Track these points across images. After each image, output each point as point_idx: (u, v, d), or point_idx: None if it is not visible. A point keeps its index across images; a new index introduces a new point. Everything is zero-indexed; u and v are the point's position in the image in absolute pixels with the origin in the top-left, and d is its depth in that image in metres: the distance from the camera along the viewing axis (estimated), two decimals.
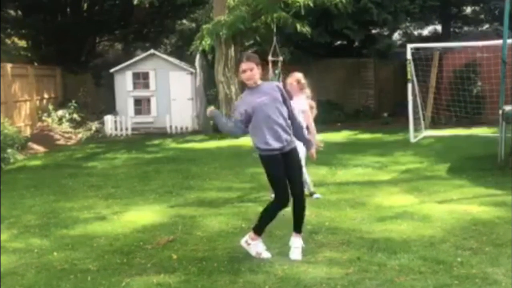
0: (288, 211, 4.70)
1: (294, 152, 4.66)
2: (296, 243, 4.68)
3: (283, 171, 4.58)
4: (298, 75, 6.63)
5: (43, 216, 6.28)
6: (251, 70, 4.58)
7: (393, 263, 4.35)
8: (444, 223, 5.42)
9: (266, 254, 4.61)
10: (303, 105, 6.47)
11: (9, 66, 13.62)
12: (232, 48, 14.76)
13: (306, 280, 4.08)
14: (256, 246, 4.64)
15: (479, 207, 6.00)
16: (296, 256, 4.58)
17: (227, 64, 14.67)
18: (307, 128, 6.17)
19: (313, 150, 5.16)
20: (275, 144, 4.52)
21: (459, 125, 13.60)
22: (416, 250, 4.64)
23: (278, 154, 4.55)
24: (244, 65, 4.60)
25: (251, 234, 4.68)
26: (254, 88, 4.62)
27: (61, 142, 13.85)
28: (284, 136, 4.55)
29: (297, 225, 4.73)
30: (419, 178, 7.89)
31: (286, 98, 4.66)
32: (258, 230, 4.67)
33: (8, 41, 20.54)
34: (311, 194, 6.68)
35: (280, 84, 4.80)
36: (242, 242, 4.70)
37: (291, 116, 4.68)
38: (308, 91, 6.70)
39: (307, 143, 4.98)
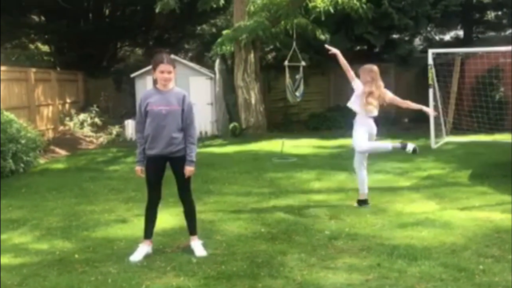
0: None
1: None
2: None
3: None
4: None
5: (65, 218, 6.36)
6: (169, 73, 4.76)
7: (414, 270, 4.31)
8: (465, 230, 5.36)
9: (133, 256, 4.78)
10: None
11: (32, 70, 13.84)
12: (252, 54, 14.81)
13: (325, 286, 4.07)
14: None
15: (501, 214, 5.91)
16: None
17: (246, 69, 14.72)
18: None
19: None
20: None
21: (481, 131, 13.43)
22: (437, 257, 4.59)
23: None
24: (164, 67, 4.74)
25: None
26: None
27: (83, 146, 14.04)
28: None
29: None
30: (440, 184, 7.81)
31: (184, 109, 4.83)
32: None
33: (31, 46, 20.91)
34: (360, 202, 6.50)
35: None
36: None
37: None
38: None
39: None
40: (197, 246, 4.93)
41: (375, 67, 6.39)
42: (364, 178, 6.51)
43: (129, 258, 4.77)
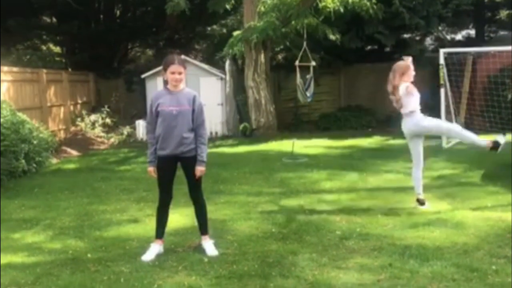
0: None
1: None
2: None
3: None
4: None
5: (77, 218, 6.41)
6: (180, 74, 4.77)
7: (426, 270, 4.29)
8: (478, 230, 5.33)
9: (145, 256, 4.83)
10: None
11: (44, 71, 13.95)
12: (262, 54, 14.82)
13: (337, 286, 4.07)
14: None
15: None
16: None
17: (256, 69, 14.72)
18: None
19: None
20: None
21: (493, 131, 13.31)
22: (449, 257, 4.57)
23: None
24: (174, 67, 4.76)
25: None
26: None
27: (94, 146, 14.13)
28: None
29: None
30: (452, 184, 7.77)
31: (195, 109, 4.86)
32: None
33: (43, 47, 21.08)
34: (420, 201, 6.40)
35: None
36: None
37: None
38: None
39: None
40: (209, 246, 4.95)
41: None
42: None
43: (141, 257, 4.80)
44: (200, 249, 4.98)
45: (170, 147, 4.81)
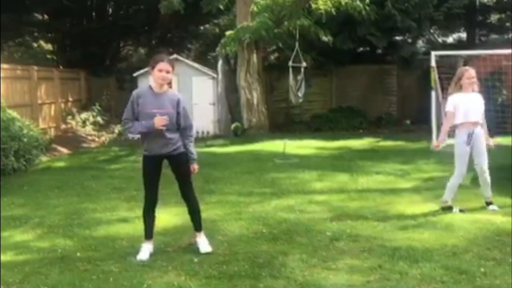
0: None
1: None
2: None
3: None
4: (473, 71, 6.36)
5: (67, 217, 6.37)
6: (167, 72, 4.67)
7: (415, 271, 4.31)
8: (467, 232, 5.36)
9: (140, 256, 4.78)
10: (483, 105, 6.33)
11: (35, 69, 13.87)
12: (255, 54, 14.83)
13: (326, 287, 4.07)
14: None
15: (503, 217, 5.91)
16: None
17: (249, 69, 14.74)
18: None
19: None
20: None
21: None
22: (439, 259, 4.59)
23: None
24: (163, 65, 4.66)
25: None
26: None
27: (85, 144, 14.06)
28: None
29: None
30: (442, 186, 7.73)
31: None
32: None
33: (34, 44, 20.95)
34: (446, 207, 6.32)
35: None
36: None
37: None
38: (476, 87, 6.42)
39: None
40: (203, 242, 4.94)
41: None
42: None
43: (136, 257, 4.75)
44: (190, 249, 4.97)
45: (155, 149, 4.77)
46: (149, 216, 4.97)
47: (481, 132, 6.26)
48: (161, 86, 4.73)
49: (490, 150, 6.43)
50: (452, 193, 6.35)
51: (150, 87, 4.80)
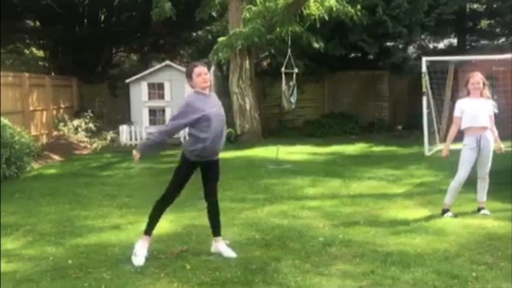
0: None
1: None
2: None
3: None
4: (481, 76, 6.42)
5: (59, 224, 6.34)
6: (206, 74, 4.72)
7: (407, 277, 4.32)
8: (458, 237, 5.38)
9: (137, 261, 4.73)
10: (491, 110, 6.33)
11: (26, 75, 13.81)
12: (247, 60, 14.85)
13: None
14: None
15: (494, 221, 5.95)
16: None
17: (241, 76, 14.76)
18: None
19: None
20: None
21: None
22: (431, 264, 4.61)
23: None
24: (200, 69, 4.70)
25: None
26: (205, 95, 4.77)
27: (77, 151, 14.00)
28: None
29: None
30: (433, 191, 7.84)
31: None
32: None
33: (26, 51, 20.87)
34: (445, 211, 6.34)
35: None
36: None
37: None
38: (487, 93, 6.49)
39: None
40: (226, 247, 4.98)
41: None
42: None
43: (133, 262, 4.73)
44: (182, 256, 4.95)
45: (215, 152, 4.79)
46: (161, 212, 4.96)
47: (490, 137, 6.25)
48: (206, 88, 4.77)
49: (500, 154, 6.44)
50: (451, 196, 6.38)
51: (200, 92, 4.76)
